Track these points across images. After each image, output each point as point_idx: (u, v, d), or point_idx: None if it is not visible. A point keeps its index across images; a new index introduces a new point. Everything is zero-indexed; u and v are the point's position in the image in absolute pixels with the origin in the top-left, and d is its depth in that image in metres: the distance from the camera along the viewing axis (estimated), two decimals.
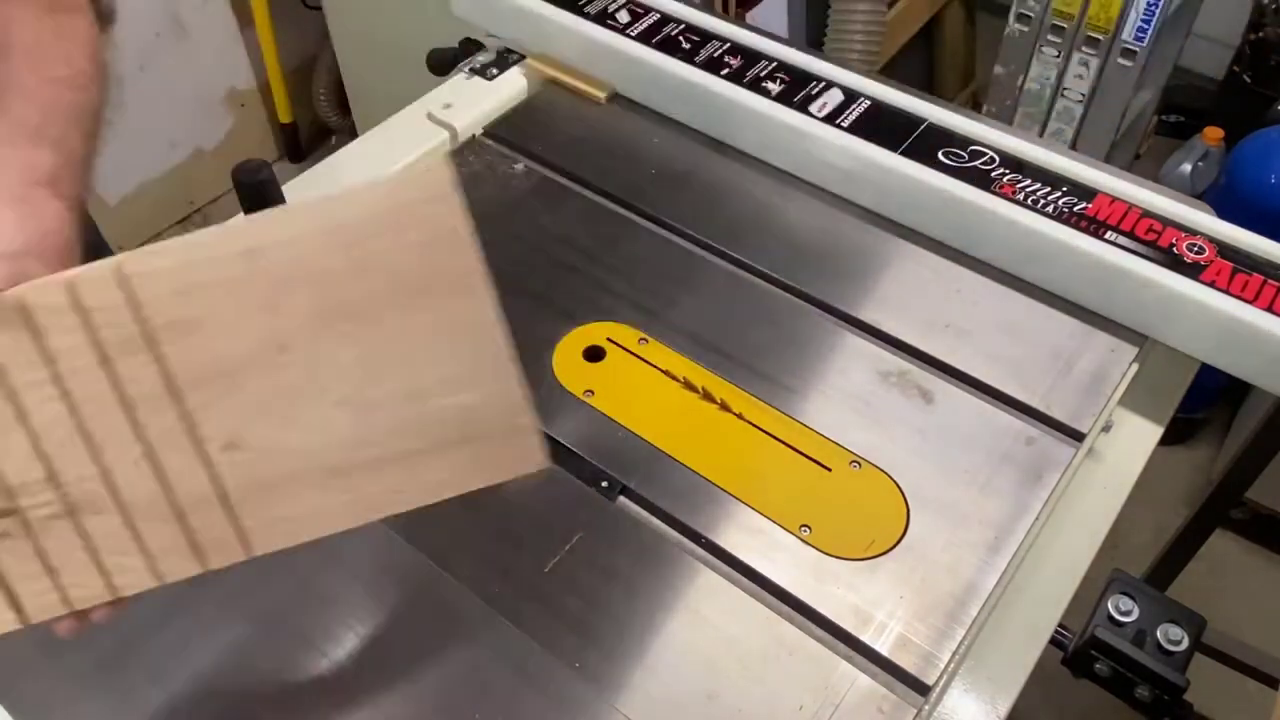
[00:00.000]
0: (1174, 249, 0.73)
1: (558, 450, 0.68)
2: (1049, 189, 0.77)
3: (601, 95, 0.93)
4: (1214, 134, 1.82)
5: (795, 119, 0.83)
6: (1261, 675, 1.20)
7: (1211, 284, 0.70)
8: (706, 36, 0.91)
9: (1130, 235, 0.74)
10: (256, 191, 0.70)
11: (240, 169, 0.70)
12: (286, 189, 0.86)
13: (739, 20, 1.28)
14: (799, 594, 0.60)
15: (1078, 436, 0.68)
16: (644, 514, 0.65)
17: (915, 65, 2.09)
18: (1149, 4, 1.51)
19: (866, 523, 0.64)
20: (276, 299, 0.44)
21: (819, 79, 0.87)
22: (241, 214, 0.63)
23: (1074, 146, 1.71)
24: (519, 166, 0.87)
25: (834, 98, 0.85)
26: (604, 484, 0.66)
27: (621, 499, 0.65)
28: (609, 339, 0.74)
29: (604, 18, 0.92)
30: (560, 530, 0.63)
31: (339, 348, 0.45)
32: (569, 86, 0.94)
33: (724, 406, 0.69)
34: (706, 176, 0.87)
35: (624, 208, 0.85)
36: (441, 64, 1.00)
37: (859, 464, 0.67)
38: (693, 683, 0.57)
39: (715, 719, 0.56)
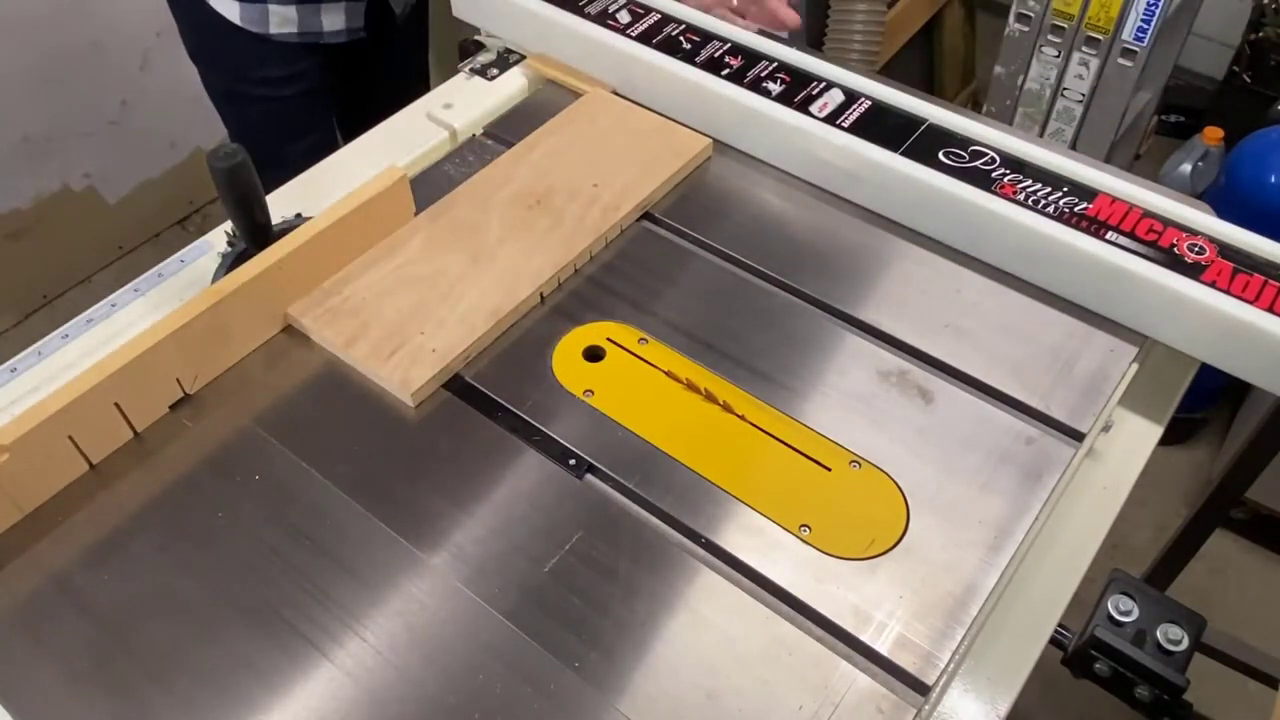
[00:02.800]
0: (1174, 249, 0.73)
1: (557, 450, 0.68)
2: (1049, 189, 0.77)
3: None
4: (1214, 134, 1.82)
5: (796, 119, 0.83)
6: (1261, 675, 1.21)
7: (1212, 284, 0.70)
8: (707, 37, 0.91)
9: (1131, 235, 0.74)
10: (230, 176, 0.70)
11: (213, 154, 0.70)
12: (287, 187, 0.87)
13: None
14: (798, 594, 0.60)
15: (1078, 436, 0.68)
16: (644, 514, 0.65)
17: (915, 65, 2.09)
18: (1149, 4, 1.51)
19: (866, 523, 0.64)
20: None
21: (819, 79, 0.87)
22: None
23: (1074, 146, 1.71)
24: None
25: (834, 98, 0.85)
26: (603, 483, 0.66)
27: (621, 498, 0.65)
28: (609, 339, 0.74)
29: (604, 18, 0.92)
30: (560, 530, 0.63)
31: None
32: (569, 86, 0.94)
33: (726, 407, 0.69)
34: (707, 177, 0.87)
35: None
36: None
37: (859, 464, 0.67)
38: (693, 683, 0.57)
39: (715, 719, 0.56)
